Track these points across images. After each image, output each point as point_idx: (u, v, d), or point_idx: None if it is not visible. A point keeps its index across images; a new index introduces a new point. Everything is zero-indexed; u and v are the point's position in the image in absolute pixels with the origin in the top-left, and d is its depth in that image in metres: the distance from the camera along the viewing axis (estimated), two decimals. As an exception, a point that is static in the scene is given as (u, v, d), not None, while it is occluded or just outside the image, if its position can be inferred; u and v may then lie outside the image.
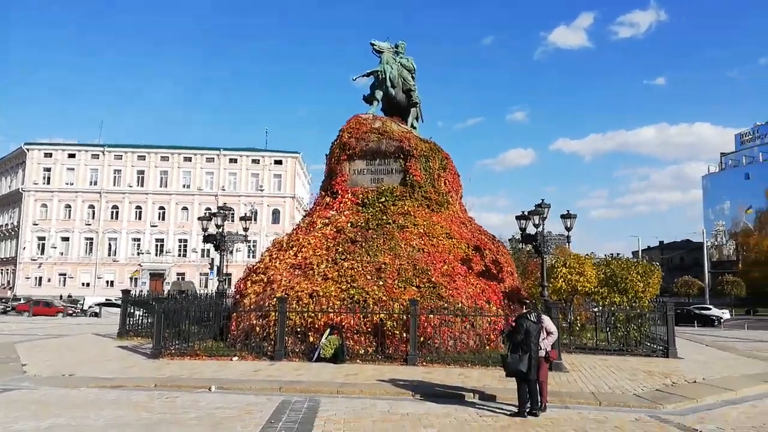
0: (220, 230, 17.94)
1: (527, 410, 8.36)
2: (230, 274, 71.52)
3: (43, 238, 70.40)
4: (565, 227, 15.80)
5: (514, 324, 8.73)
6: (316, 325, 14.29)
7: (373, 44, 21.14)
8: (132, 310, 18.36)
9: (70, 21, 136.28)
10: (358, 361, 13.49)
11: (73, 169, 72.67)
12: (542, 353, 8.67)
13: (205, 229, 18.49)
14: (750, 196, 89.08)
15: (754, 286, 63.55)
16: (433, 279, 15.49)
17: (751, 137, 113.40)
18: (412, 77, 21.90)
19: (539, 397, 8.54)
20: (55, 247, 69.90)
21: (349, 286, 15.08)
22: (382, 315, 14.01)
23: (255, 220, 73.79)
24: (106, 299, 51.87)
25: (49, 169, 72.18)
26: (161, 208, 73.06)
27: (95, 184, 72.41)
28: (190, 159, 74.71)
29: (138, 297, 18.32)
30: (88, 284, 68.69)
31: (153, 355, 13.92)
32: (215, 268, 46.06)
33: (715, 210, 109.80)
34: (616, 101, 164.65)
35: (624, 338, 15.62)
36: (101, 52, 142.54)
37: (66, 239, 70.68)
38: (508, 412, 8.63)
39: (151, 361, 13.48)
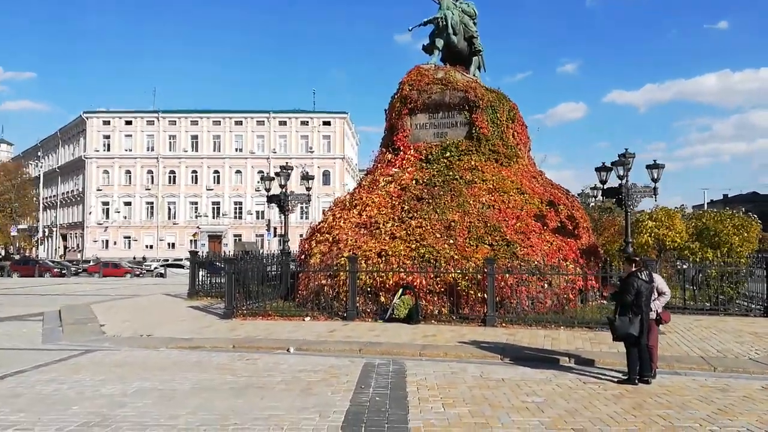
0: (284, 190, 17.57)
1: (637, 377, 7.64)
2: (284, 235, 73.49)
3: (107, 203, 73.14)
4: (651, 178, 14.60)
5: (621, 283, 7.93)
6: (387, 285, 13.87)
7: (431, -13, 19.90)
8: (201, 271, 18.46)
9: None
10: (432, 321, 13.02)
11: (130, 135, 74.55)
12: (653, 315, 7.87)
13: (268, 189, 18.23)
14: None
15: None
16: (506, 237, 14.73)
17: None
18: (474, 23, 20.65)
19: (650, 363, 7.79)
20: (119, 212, 72.54)
21: (418, 244, 14.53)
22: (455, 274, 13.43)
23: (307, 182, 74.25)
24: (173, 260, 53.59)
25: (108, 137, 74.34)
26: (216, 171, 74.34)
27: (152, 150, 74.18)
28: (241, 123, 75.29)
29: (206, 258, 18.36)
30: (151, 246, 71.19)
31: (226, 316, 13.88)
32: (272, 229, 46.71)
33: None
34: (674, 49, 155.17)
35: (716, 296, 14.51)
36: (148, 19, 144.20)
37: (128, 204, 73.19)
38: (615, 379, 7.95)
39: (224, 322, 13.42)
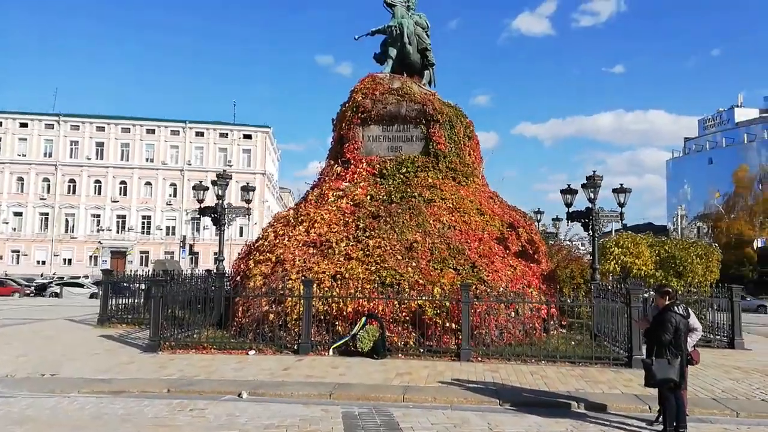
0: (221, 201, 15.48)
1: (674, 427, 6.57)
2: (198, 253, 69.04)
3: (-6, 213, 65.60)
4: (617, 203, 14.10)
5: (655, 319, 6.86)
6: (345, 313, 12.23)
7: (383, -4, 18.81)
8: (112, 293, 15.77)
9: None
10: (399, 355, 11.51)
11: (25, 139, 67.65)
12: (685, 355, 6.86)
13: (200, 200, 16.05)
14: (714, 181, 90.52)
15: (726, 269, 64.40)
16: (471, 260, 13.62)
17: (713, 123, 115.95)
18: (427, 35, 19.72)
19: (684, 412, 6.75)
20: (7, 223, 65.18)
21: (378, 267, 13.05)
22: (421, 301, 12.05)
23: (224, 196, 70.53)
24: (69, 277, 48.36)
25: (-1, 139, 67.01)
26: (123, 182, 68.97)
27: (50, 156, 67.63)
28: (153, 131, 70.59)
29: (123, 277, 15.79)
30: (43, 262, 64.48)
31: (150, 348, 11.62)
32: (187, 246, 43.26)
33: (678, 194, 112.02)
34: (576, 87, 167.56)
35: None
36: (55, 12, 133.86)
37: (19, 214, 66.01)
38: (644, 431, 6.83)
39: (149, 356, 11.18)
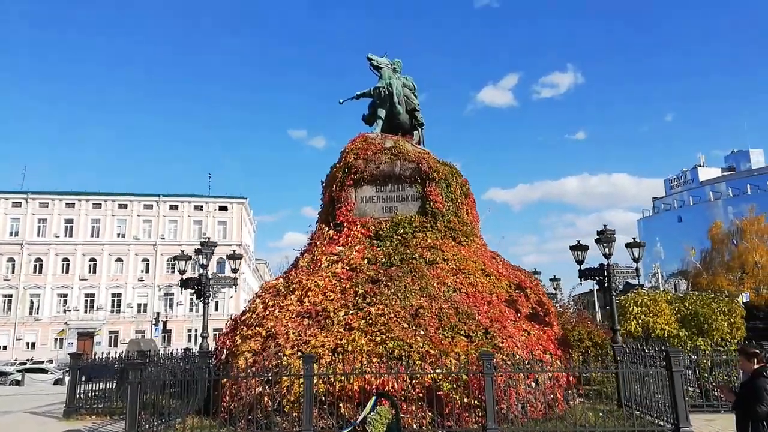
0: (205, 272, 14.16)
1: None
2: (171, 330, 65.90)
3: (-47, 295, 62.06)
4: (632, 258, 13.27)
5: (746, 388, 5.80)
6: (350, 392, 10.83)
7: (370, 59, 18.56)
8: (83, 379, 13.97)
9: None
10: (417, 439, 10.08)
11: (-10, 218, 65.23)
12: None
13: (182, 272, 14.69)
14: (686, 238, 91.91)
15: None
16: (483, 325, 12.49)
17: (678, 183, 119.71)
18: (415, 96, 19.40)
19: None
20: (-32, 306, 61.60)
21: (384, 337, 11.80)
22: (435, 375, 10.76)
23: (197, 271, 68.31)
24: (32, 362, 45.19)
25: (-38, 219, 64.43)
26: (92, 260, 66.43)
27: (16, 234, 65.11)
28: (125, 206, 68.97)
29: (93, 360, 14.08)
30: (5, 347, 60.58)
31: (127, 445, 9.98)
32: (161, 323, 40.76)
33: (651, 252, 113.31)
34: (541, 154, 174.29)
35: (704, 389, 13.00)
36: (24, 88, 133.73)
37: (-20, 296, 62.56)
38: None
39: (125, 456, 9.54)
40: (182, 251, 15.09)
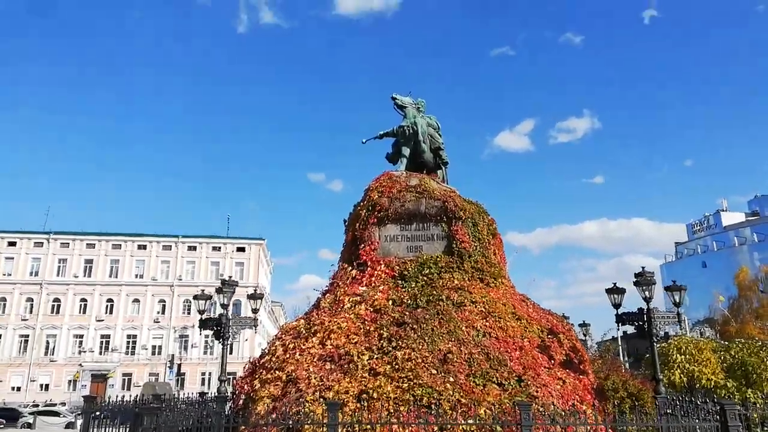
0: (225, 312, 13.69)
1: None
2: (185, 374, 64.92)
3: (-30, 336, 62.06)
4: (672, 302, 12.55)
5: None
6: (375, 442, 10.12)
7: (394, 98, 18.46)
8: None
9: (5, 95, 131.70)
10: (450, 497, 9.29)
11: (12, 258, 65.81)
12: None
13: (201, 311, 14.22)
14: (711, 284, 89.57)
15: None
16: (515, 372, 11.77)
17: (701, 228, 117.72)
18: (439, 135, 19.18)
19: None
20: (-16, 347, 61.51)
21: (412, 384, 11.14)
22: (466, 425, 10.04)
23: (214, 313, 67.84)
24: (44, 404, 44.55)
25: (-15, 258, 65.07)
26: (109, 300, 66.35)
27: (36, 274, 65.51)
28: (144, 247, 69.26)
29: (108, 404, 13.51)
30: (19, 388, 59.99)
31: (138, 498, 9.33)
32: (175, 366, 40.03)
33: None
34: (558, 198, 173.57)
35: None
36: (48, 129, 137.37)
37: (-3, 336, 62.51)
38: None
39: None
40: (202, 290, 14.67)
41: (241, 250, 71.62)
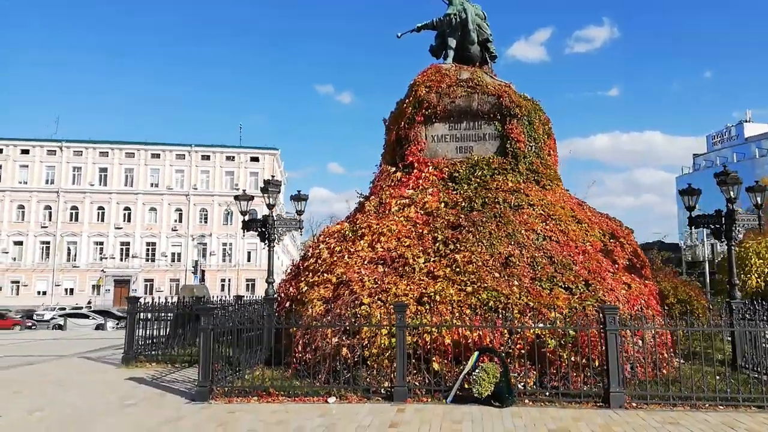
0: (270, 212, 12.95)
1: None
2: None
3: (-8, 242, 62.99)
4: (754, 204, 11.65)
5: None
6: (441, 347, 9.66)
7: (437, -18, 16.69)
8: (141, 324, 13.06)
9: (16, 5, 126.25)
10: (526, 401, 8.87)
11: (26, 166, 65.58)
12: None
13: (244, 212, 13.52)
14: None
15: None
16: (582, 277, 11.13)
17: (721, 139, 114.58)
18: (487, 25, 17.50)
19: None
20: (7, 252, 62.59)
21: (476, 287, 10.51)
22: (539, 330, 9.50)
23: (230, 221, 68.11)
24: (71, 308, 45.80)
25: (-1, 167, 64.77)
26: (126, 208, 66.62)
27: (52, 182, 65.44)
28: (158, 156, 68.53)
29: (153, 306, 13.19)
30: (44, 292, 61.73)
31: (200, 396, 8.99)
32: (199, 272, 40.45)
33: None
34: (571, 111, 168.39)
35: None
36: (56, 42, 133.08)
37: (19, 243, 63.46)
38: None
39: (200, 407, 8.56)
40: (242, 192, 13.84)
41: (255, 160, 70.75)
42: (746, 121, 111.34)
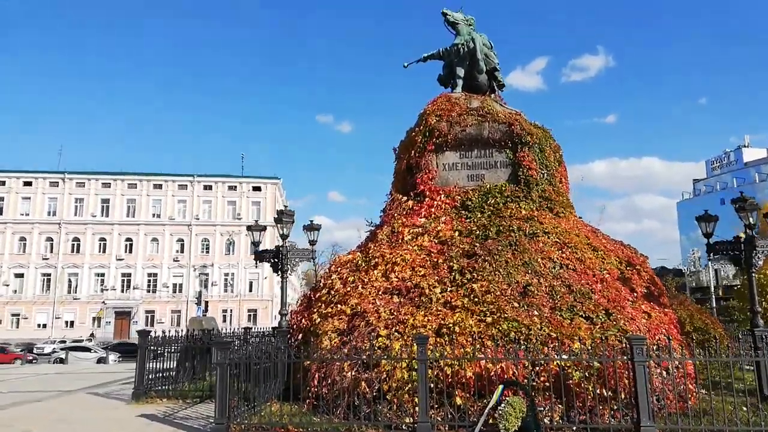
0: (284, 243, 12.83)
1: None
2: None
3: (-7, 275, 62.64)
4: (703, 233, 11.53)
5: None
6: (463, 379, 9.41)
7: (445, 14, 16.91)
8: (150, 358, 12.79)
9: (19, 35, 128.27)
10: (555, 436, 8.62)
11: (29, 198, 65.60)
12: None
13: (256, 243, 13.38)
14: (730, 222, 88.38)
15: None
16: (602, 306, 10.93)
17: (720, 164, 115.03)
18: (494, 54, 17.66)
19: None
20: (8, 285, 62.10)
21: (495, 317, 10.32)
22: (562, 361, 9.26)
23: (232, 251, 67.88)
24: (72, 341, 45.28)
25: (1, 199, 64.80)
26: (128, 239, 66.48)
27: (54, 214, 65.42)
28: (160, 186, 68.71)
29: (162, 339, 12.93)
30: (44, 325, 61.17)
31: (216, 434, 8.73)
32: (203, 303, 40.07)
33: (690, 237, 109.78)
34: (569, 138, 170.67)
35: None
36: (61, 72, 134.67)
37: (20, 275, 63.05)
38: None
39: (218, 448, 8.28)
40: (253, 227, 13.73)
41: (257, 189, 70.93)
42: (745, 146, 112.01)
